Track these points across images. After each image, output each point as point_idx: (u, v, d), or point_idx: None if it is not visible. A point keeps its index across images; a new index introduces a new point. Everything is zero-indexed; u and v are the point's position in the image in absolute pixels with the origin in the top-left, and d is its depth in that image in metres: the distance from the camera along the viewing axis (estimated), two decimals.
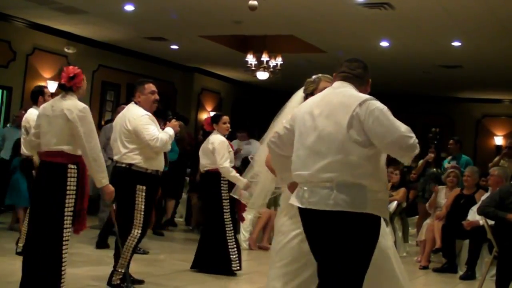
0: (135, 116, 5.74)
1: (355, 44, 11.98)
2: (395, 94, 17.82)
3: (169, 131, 5.86)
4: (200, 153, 7.24)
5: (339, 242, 3.36)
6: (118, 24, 11.85)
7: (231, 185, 6.87)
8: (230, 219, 6.95)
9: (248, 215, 9.20)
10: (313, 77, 4.25)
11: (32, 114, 6.75)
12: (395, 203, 9.40)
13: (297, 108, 3.75)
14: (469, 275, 7.75)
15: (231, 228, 6.95)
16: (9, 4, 10.89)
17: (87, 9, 10.78)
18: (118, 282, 5.72)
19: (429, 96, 18.24)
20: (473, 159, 15.75)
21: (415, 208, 10.72)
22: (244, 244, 9.09)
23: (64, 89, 4.91)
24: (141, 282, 6.09)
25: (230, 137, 8.11)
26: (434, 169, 10.24)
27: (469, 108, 18.44)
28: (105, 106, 14.33)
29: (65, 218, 4.74)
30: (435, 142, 11.51)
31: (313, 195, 3.41)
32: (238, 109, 18.74)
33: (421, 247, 8.80)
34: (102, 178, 4.86)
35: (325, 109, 3.47)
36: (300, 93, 4.33)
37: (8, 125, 9.41)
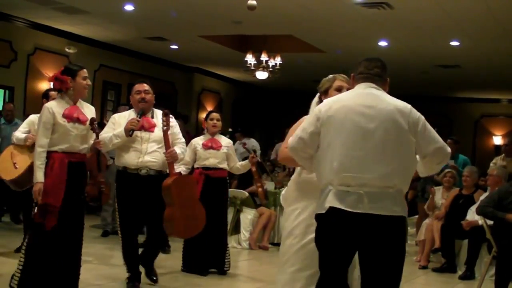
0: None
1: (354, 44, 12.02)
2: (394, 94, 17.64)
3: (116, 130, 5.70)
4: None
5: (395, 246, 3.43)
6: (118, 24, 11.87)
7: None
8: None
9: (248, 215, 9.25)
10: (329, 76, 4.21)
11: (35, 117, 6.78)
12: None
13: (323, 108, 3.53)
14: (468, 275, 7.77)
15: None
16: (11, 4, 10.90)
17: (88, 9, 10.80)
18: (127, 280, 5.86)
19: (428, 96, 18.25)
20: (471, 159, 15.79)
21: (414, 207, 10.75)
22: (244, 244, 9.13)
23: (56, 90, 5.19)
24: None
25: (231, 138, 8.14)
26: None
27: (468, 108, 18.48)
28: (106, 106, 14.37)
29: (33, 211, 5.01)
30: None
31: (375, 200, 3.33)
32: (238, 109, 18.79)
33: (421, 247, 8.83)
34: (35, 173, 4.93)
35: (376, 111, 3.43)
36: (315, 98, 4.21)
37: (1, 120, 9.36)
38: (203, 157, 7.02)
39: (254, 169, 7.61)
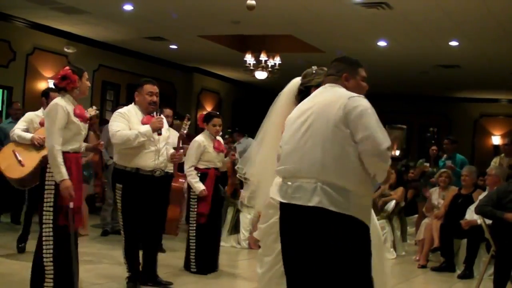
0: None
1: (353, 44, 12.02)
2: (393, 94, 17.87)
3: (142, 128, 5.69)
4: None
5: (320, 241, 3.32)
6: (117, 24, 11.87)
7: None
8: (194, 218, 6.93)
9: (248, 215, 9.25)
10: (315, 70, 4.26)
11: (34, 114, 6.80)
12: (393, 202, 9.46)
13: (289, 116, 3.70)
14: (467, 274, 7.78)
15: (194, 228, 6.92)
16: (9, 4, 10.90)
17: (87, 9, 10.80)
18: (127, 280, 5.84)
19: (427, 96, 18.28)
20: (471, 158, 15.83)
21: (414, 207, 10.76)
22: (244, 243, 9.13)
23: (58, 89, 5.04)
24: (169, 283, 6.15)
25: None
26: (434, 169, 10.28)
27: (467, 107, 18.49)
28: (105, 106, 14.38)
29: (44, 213, 4.81)
30: (433, 141, 11.58)
31: (297, 191, 3.40)
32: (237, 109, 18.79)
33: (420, 246, 8.85)
34: (55, 174, 4.82)
35: (315, 108, 3.48)
36: (294, 88, 4.29)
37: (8, 120, 9.41)
38: (215, 160, 7.07)
39: (229, 165, 8.01)
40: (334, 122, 3.35)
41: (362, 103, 3.39)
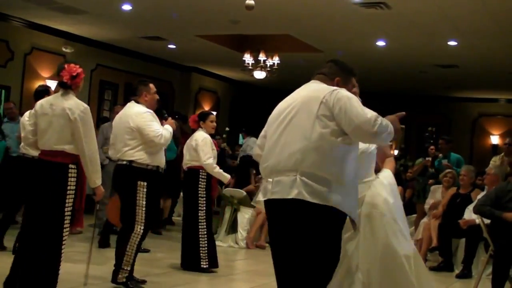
0: (138, 113, 5.85)
1: (352, 43, 12.02)
2: (392, 94, 17.87)
3: (169, 128, 6.02)
4: (184, 150, 7.31)
5: (301, 232, 3.32)
6: (115, 23, 11.87)
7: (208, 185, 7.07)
8: (204, 217, 6.97)
9: (245, 214, 9.24)
10: None
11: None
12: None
13: (272, 113, 3.70)
14: (465, 274, 7.78)
15: (204, 226, 6.96)
16: (7, 4, 10.89)
17: (85, 8, 10.79)
18: (124, 280, 5.79)
19: (426, 96, 18.28)
20: (469, 158, 15.85)
21: (412, 207, 10.75)
22: (241, 243, 9.12)
23: (65, 87, 4.88)
24: (143, 282, 6.12)
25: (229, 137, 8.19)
26: (432, 169, 10.26)
27: (466, 107, 18.50)
28: (103, 105, 14.37)
29: (65, 217, 4.76)
30: (431, 141, 11.56)
31: (276, 185, 3.39)
32: (235, 108, 18.79)
33: (418, 246, 8.84)
34: (96, 179, 4.89)
35: (297, 102, 3.48)
36: None
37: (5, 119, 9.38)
38: (215, 157, 7.18)
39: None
40: (316, 114, 3.34)
41: (344, 93, 3.38)
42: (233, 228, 9.15)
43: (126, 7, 10.47)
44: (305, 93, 3.52)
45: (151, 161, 5.85)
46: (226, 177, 7.18)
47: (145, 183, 5.79)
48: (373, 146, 4.02)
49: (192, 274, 6.79)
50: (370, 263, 3.76)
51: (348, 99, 3.34)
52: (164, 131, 5.87)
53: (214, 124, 7.26)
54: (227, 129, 13.49)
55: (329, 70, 3.66)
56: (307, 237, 3.31)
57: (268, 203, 3.48)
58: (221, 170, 7.07)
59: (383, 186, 4.01)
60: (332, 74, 3.63)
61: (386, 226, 3.87)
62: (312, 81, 3.64)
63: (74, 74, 4.85)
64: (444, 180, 9.19)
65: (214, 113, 7.88)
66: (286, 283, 3.44)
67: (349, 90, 3.56)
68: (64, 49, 12.92)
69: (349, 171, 3.37)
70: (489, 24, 10.01)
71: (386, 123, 3.34)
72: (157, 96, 6.10)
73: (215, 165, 7.02)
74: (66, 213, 4.76)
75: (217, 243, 9.01)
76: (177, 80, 16.74)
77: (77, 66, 4.92)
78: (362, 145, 3.84)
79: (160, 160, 5.95)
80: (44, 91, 6.82)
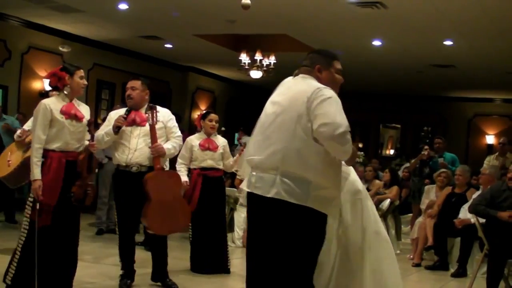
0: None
1: (348, 43, 12.04)
2: (388, 93, 17.91)
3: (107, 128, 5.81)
4: None
5: (277, 231, 3.38)
6: (112, 23, 11.87)
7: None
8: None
9: (242, 214, 9.26)
10: None
11: None
12: (388, 201, 9.50)
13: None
14: (461, 273, 7.81)
15: (189, 227, 6.94)
16: (5, 3, 10.88)
17: (82, 8, 10.80)
18: (120, 278, 5.88)
19: (421, 95, 18.31)
20: (464, 157, 15.89)
21: (408, 206, 10.79)
22: (238, 242, 9.15)
23: (53, 88, 5.15)
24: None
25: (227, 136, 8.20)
26: (429, 170, 10.29)
27: (461, 107, 18.54)
28: (100, 105, 14.38)
29: (26, 207, 4.97)
30: (427, 140, 11.60)
31: (259, 181, 3.47)
32: (232, 108, 18.80)
33: (414, 245, 8.88)
34: (31, 173, 4.94)
35: (284, 100, 3.53)
36: None
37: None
38: (200, 158, 7.03)
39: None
40: (298, 114, 3.39)
41: (326, 93, 3.39)
42: (229, 227, 9.17)
43: (123, 6, 10.48)
44: (292, 92, 3.55)
45: (113, 160, 5.91)
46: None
47: (113, 182, 5.99)
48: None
49: (190, 274, 6.81)
50: (359, 246, 3.90)
51: (328, 98, 3.37)
52: (98, 131, 5.81)
53: (213, 123, 7.08)
54: (223, 128, 13.47)
55: (310, 60, 3.70)
56: (283, 236, 3.37)
57: (250, 195, 3.56)
58: (183, 174, 6.88)
59: (355, 174, 4.17)
60: (313, 63, 3.67)
61: (371, 209, 4.08)
62: (300, 76, 3.66)
63: (51, 74, 5.07)
64: (438, 179, 9.22)
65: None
66: (255, 277, 3.50)
67: (332, 74, 3.63)
68: (61, 49, 12.92)
69: (329, 172, 3.43)
70: (485, 24, 10.04)
71: (350, 141, 3.31)
72: (126, 93, 5.90)
73: (178, 168, 6.92)
74: (26, 204, 5.00)
75: None
76: (174, 79, 16.74)
77: (59, 66, 5.13)
78: None
79: (118, 159, 5.81)
80: (44, 96, 6.95)
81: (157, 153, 5.66)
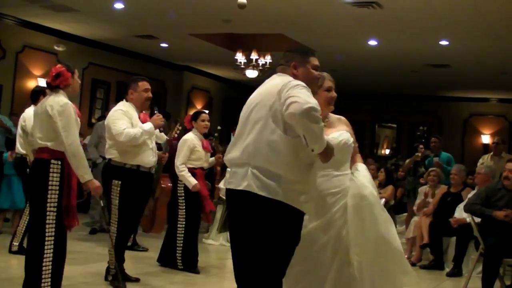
0: (111, 111, 5.88)
1: (344, 43, 12.05)
2: (383, 93, 17.92)
3: (145, 126, 5.77)
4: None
5: (250, 225, 3.40)
6: (108, 22, 11.85)
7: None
8: (184, 216, 6.89)
9: None
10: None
11: (28, 113, 6.78)
12: (382, 200, 9.49)
13: None
14: (456, 272, 7.83)
15: (183, 226, 6.88)
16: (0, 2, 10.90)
17: (77, 7, 10.78)
18: (110, 278, 5.82)
19: (417, 95, 18.31)
20: (460, 157, 15.90)
21: (403, 205, 10.79)
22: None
23: (51, 87, 4.91)
24: (136, 280, 6.12)
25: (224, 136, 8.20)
26: (422, 168, 10.30)
27: (457, 107, 18.56)
28: (95, 104, 14.35)
29: (48, 214, 4.69)
30: (423, 140, 11.60)
31: (232, 176, 3.52)
32: (227, 107, 18.79)
33: (409, 245, 8.87)
34: (83, 174, 4.76)
35: (257, 97, 3.55)
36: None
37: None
38: (204, 158, 7.06)
39: (218, 168, 8.36)
40: (270, 107, 3.40)
41: (296, 83, 3.38)
42: (224, 226, 9.15)
43: (118, 5, 10.47)
44: (264, 89, 3.57)
45: (128, 160, 5.73)
46: (190, 183, 6.77)
47: (120, 182, 5.72)
48: (352, 139, 4.09)
49: (184, 273, 6.79)
50: (363, 255, 3.85)
51: (298, 85, 3.35)
52: (131, 128, 5.66)
53: (206, 123, 7.06)
54: (219, 127, 13.46)
55: (286, 58, 3.69)
56: (255, 229, 3.38)
57: (226, 191, 3.62)
58: (188, 175, 6.79)
59: (366, 178, 4.09)
60: (288, 61, 3.65)
61: (378, 216, 3.97)
62: (276, 74, 3.66)
63: (55, 73, 4.86)
64: (429, 179, 9.22)
65: (207, 111, 7.81)
66: (236, 270, 3.54)
67: (308, 70, 3.62)
68: (56, 48, 12.90)
69: (300, 166, 3.43)
70: (480, 24, 10.05)
71: (320, 120, 3.26)
72: (145, 95, 5.88)
73: (182, 168, 6.81)
74: (48, 210, 4.68)
75: (208, 241, 9.09)
76: (169, 79, 16.72)
77: (60, 66, 4.92)
78: (344, 137, 3.99)
79: (142, 159, 5.77)
80: (40, 92, 6.84)
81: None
